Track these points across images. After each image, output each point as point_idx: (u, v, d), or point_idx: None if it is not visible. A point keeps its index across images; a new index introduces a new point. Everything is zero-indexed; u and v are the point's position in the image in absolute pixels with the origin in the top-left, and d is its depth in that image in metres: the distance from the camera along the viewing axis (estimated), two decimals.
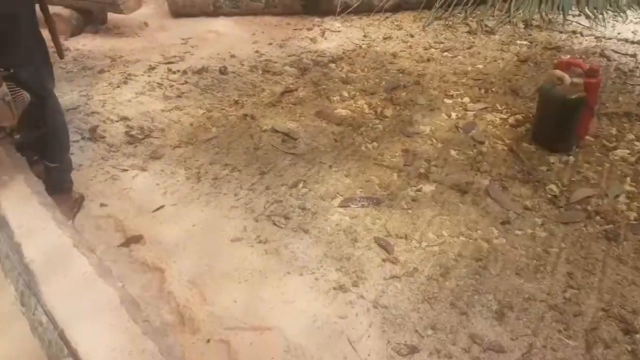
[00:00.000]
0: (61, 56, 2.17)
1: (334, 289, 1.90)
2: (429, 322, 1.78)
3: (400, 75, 3.49)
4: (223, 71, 3.53)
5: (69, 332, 1.28)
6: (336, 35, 4.18)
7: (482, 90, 3.26)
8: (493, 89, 3.27)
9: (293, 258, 2.04)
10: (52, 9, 2.31)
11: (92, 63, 3.66)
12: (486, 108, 3.06)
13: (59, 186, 2.20)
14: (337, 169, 2.55)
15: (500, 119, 2.95)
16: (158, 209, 2.32)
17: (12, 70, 1.81)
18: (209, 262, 2.03)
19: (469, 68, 3.56)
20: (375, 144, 2.74)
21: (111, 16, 4.36)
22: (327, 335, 1.73)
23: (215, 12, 4.45)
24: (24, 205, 1.70)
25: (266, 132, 2.85)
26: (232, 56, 3.78)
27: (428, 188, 2.39)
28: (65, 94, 3.22)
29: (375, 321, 1.78)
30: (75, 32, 4.11)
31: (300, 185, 2.43)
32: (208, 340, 1.71)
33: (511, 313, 1.81)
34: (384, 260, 2.01)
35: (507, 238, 2.13)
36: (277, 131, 2.85)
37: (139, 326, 1.30)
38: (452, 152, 2.65)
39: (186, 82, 3.41)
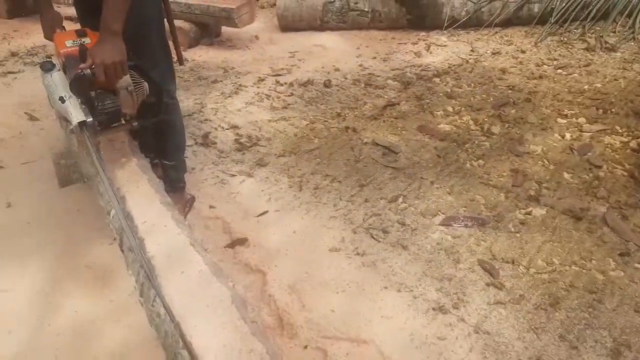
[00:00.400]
0: (181, 63, 2.34)
1: (433, 309, 1.86)
2: (534, 352, 1.68)
3: (510, 91, 3.36)
4: (327, 84, 3.61)
5: (184, 325, 1.36)
6: (442, 50, 4.12)
7: (600, 111, 3.04)
8: (613, 110, 3.04)
9: (391, 273, 2.03)
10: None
11: (207, 73, 3.91)
12: (604, 130, 2.86)
13: (173, 185, 2.36)
14: (439, 185, 2.50)
15: (621, 142, 2.74)
16: (262, 214, 2.41)
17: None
18: (308, 270, 2.07)
19: (586, 87, 3.35)
20: (481, 161, 2.65)
21: (225, 29, 4.63)
22: (425, 355, 1.70)
23: (322, 27, 4.58)
24: (147, 203, 1.84)
25: (367, 144, 2.87)
26: (337, 69, 3.86)
27: (538, 212, 2.27)
28: (182, 101, 3.46)
29: (476, 346, 1.71)
30: (192, 44, 4.42)
31: (400, 200, 2.42)
32: (305, 347, 1.74)
33: (629, 352, 1.66)
34: (487, 284, 1.94)
35: (626, 271, 1.96)
36: (377, 144, 2.86)
37: (248, 326, 1.35)
38: (566, 175, 2.50)
39: (292, 94, 3.53)
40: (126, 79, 1.91)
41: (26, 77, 3.98)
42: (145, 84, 2.02)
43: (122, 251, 1.81)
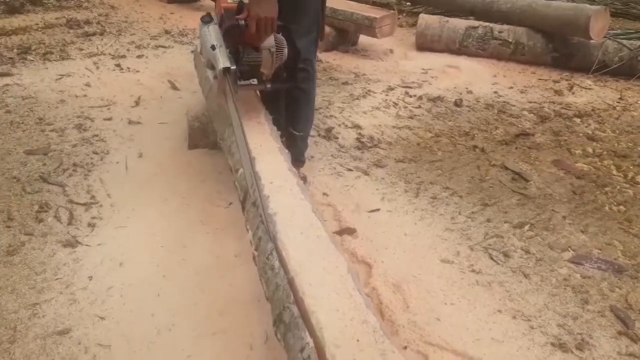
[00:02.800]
0: (321, 38, 2.39)
1: (552, 344, 1.67)
2: None
3: None
4: (458, 103, 3.50)
5: (298, 281, 1.32)
6: (586, 92, 3.84)
7: None
8: None
9: (507, 298, 1.86)
10: None
11: (338, 75, 3.96)
12: None
13: (296, 158, 2.38)
14: (571, 221, 2.28)
15: None
16: (374, 210, 2.34)
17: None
18: (416, 274, 1.96)
19: None
20: (622, 207, 2.39)
21: (361, 40, 4.70)
22: None
23: (459, 51, 4.48)
24: (275, 167, 1.85)
25: (495, 167, 2.72)
26: (469, 92, 3.73)
27: None
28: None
29: None
30: (329, 48, 4.52)
31: (527, 227, 2.23)
32: (405, 347, 1.63)
33: None
34: (620, 332, 1.70)
35: None
36: (507, 168, 2.69)
37: (362, 298, 1.29)
38: None
39: (420, 107, 3.46)
40: (270, 41, 2.02)
41: (174, 52, 4.30)
42: (286, 50, 2.11)
43: (243, 209, 1.83)
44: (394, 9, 4.63)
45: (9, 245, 2.00)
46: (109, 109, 3.22)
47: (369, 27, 4.20)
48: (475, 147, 2.91)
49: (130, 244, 2.05)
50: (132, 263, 1.95)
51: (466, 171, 2.67)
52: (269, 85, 2.24)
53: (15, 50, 4.05)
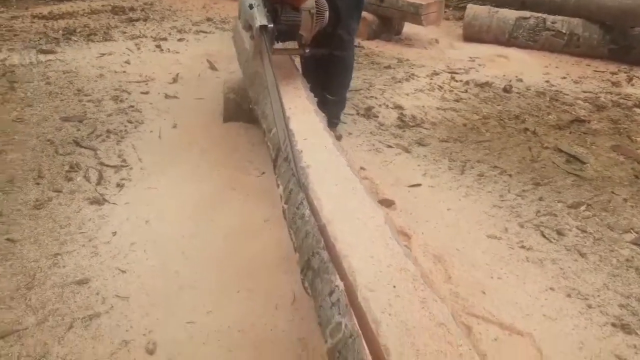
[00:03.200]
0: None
1: (613, 325, 1.48)
2: None
3: None
4: (507, 89, 3.31)
5: (330, 228, 1.20)
6: None
7: None
8: None
9: (561, 275, 1.67)
10: None
11: (380, 60, 3.83)
12: None
13: (329, 120, 2.28)
14: (633, 204, 2.07)
15: None
16: (415, 185, 2.19)
17: None
18: (460, 247, 1.80)
19: None
20: None
21: (406, 29, 4.56)
22: None
23: (508, 42, 4.27)
24: (310, 126, 1.74)
25: (548, 149, 2.52)
26: (519, 80, 3.53)
27: None
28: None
29: None
30: (371, 36, 4.39)
31: (583, 208, 2.04)
32: None
33: None
34: None
35: None
36: (561, 151, 2.49)
37: (400, 248, 1.15)
38: None
39: (466, 92, 3.28)
40: (311, 2, 1.93)
41: (215, 37, 4.27)
42: (327, 14, 2.01)
43: (275, 166, 1.72)
44: None
45: (36, 200, 1.96)
46: (146, 84, 3.19)
47: (415, 14, 4.06)
48: (526, 129, 2.71)
49: (158, 203, 1.98)
50: (158, 221, 1.87)
51: (516, 152, 2.49)
52: (307, 50, 2.16)
53: (60, 32, 4.11)
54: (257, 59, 2.02)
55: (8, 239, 1.73)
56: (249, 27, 2.00)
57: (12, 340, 1.37)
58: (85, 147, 2.37)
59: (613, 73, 3.78)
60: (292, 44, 2.18)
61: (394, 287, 1.02)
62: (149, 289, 1.56)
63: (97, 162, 2.25)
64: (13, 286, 1.54)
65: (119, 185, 2.09)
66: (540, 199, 2.09)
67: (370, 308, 0.95)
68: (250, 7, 1.87)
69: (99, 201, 1.97)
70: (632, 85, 3.57)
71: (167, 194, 2.04)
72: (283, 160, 1.62)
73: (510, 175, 2.26)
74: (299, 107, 1.90)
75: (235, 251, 1.73)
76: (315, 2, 1.97)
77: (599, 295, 1.58)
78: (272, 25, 1.84)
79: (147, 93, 3.04)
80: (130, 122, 2.66)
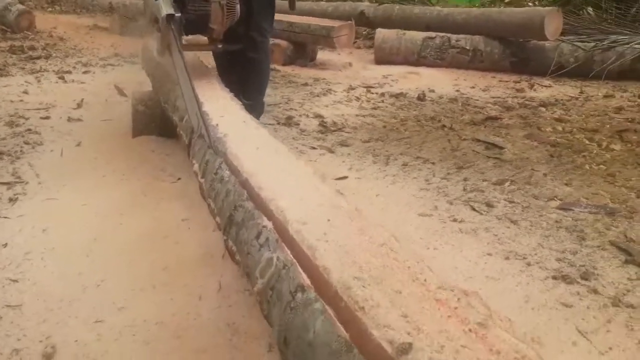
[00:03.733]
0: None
1: (554, 278, 1.44)
2: None
3: (629, 123, 2.97)
4: (421, 97, 3.39)
5: (253, 180, 1.08)
6: (547, 89, 3.82)
7: None
8: None
9: (497, 241, 1.64)
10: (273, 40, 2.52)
11: (297, 80, 3.83)
12: None
13: None
14: (553, 177, 2.11)
15: None
16: (341, 178, 2.12)
17: None
18: (393, 228, 1.72)
19: None
20: (602, 166, 2.25)
21: (320, 55, 4.64)
22: (546, 318, 1.27)
23: (418, 61, 4.45)
24: (226, 106, 1.65)
25: (466, 140, 2.56)
26: (431, 91, 3.64)
27: None
28: (269, 96, 3.34)
29: (617, 319, 1.27)
30: (287, 62, 4.41)
31: (507, 183, 2.05)
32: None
33: None
34: (626, 261, 1.50)
35: None
36: (479, 140, 2.54)
37: (332, 192, 1.05)
38: None
39: (383, 101, 3.33)
40: None
41: (124, 69, 4.10)
42: (238, 7, 1.95)
43: (189, 149, 1.58)
44: (351, 20, 4.60)
45: None
46: (47, 110, 2.95)
47: (326, 37, 4.14)
48: (443, 126, 2.76)
49: (57, 213, 1.75)
50: (57, 229, 1.64)
51: (436, 144, 2.51)
52: (219, 46, 2.08)
53: None
54: (165, 54, 1.91)
55: None
56: (155, 20, 1.89)
57: None
58: None
59: (516, 82, 4.02)
60: (203, 40, 2.09)
61: (329, 220, 0.91)
62: (46, 295, 1.33)
63: None
64: None
65: (12, 200, 1.84)
66: (465, 179, 2.09)
67: (304, 238, 0.84)
68: None
69: None
70: (535, 90, 3.80)
71: (69, 204, 1.82)
72: (197, 138, 1.49)
73: (433, 163, 2.26)
74: (213, 95, 1.79)
75: (149, 249, 1.54)
76: None
77: (536, 254, 1.55)
78: (179, 14, 1.76)
79: (47, 118, 2.80)
80: (27, 143, 2.41)
